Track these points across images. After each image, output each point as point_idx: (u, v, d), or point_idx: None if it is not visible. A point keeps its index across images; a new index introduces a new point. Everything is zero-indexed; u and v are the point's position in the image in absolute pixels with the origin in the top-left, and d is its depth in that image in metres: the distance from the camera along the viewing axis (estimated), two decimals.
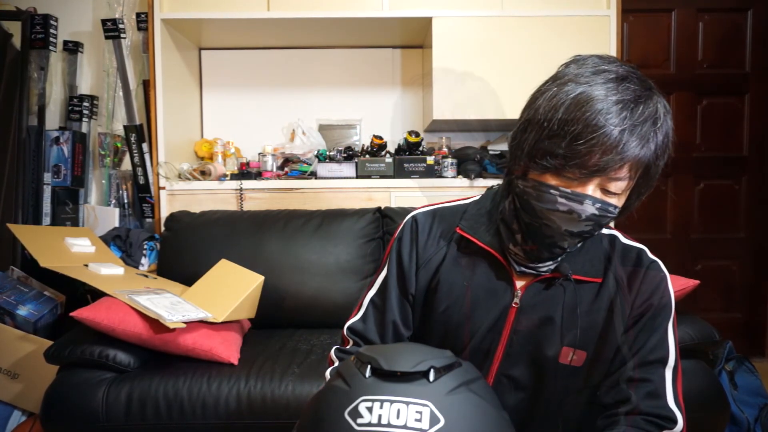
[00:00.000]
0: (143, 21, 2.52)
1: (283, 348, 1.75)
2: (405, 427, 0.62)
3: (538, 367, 0.89)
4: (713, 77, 2.86)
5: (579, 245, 0.88)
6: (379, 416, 0.63)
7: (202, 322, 1.65)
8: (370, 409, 0.63)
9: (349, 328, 1.01)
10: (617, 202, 0.80)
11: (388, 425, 0.62)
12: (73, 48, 2.60)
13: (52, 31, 2.49)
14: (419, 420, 0.62)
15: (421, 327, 0.98)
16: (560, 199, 0.78)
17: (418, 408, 0.63)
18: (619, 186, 0.78)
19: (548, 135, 0.77)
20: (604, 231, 0.95)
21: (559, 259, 0.88)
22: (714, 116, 2.88)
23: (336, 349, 1.01)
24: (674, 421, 0.84)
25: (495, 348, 0.90)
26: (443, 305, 0.92)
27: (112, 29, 2.50)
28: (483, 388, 0.73)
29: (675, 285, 1.66)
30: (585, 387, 0.91)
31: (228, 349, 1.64)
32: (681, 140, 2.88)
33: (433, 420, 0.63)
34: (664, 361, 0.87)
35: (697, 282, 1.68)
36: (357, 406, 0.64)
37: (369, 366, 0.68)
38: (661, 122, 0.77)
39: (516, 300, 0.89)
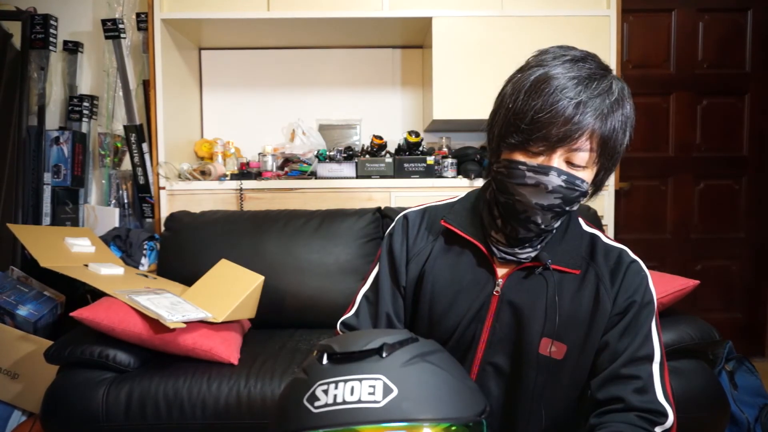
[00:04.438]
0: (143, 21, 2.52)
1: (283, 348, 1.75)
2: (359, 401, 0.64)
3: (518, 356, 0.91)
4: (713, 77, 2.86)
5: (555, 224, 0.90)
6: (335, 396, 0.65)
7: (202, 322, 1.65)
8: (326, 392, 0.65)
9: (342, 322, 1.03)
10: (585, 176, 0.84)
11: (343, 402, 0.64)
12: (73, 48, 2.60)
13: (52, 31, 2.49)
14: (372, 393, 0.64)
15: (411, 319, 1.01)
16: (528, 173, 0.83)
17: (371, 383, 0.65)
18: (581, 158, 0.82)
19: (513, 114, 0.84)
20: (586, 229, 0.97)
21: (539, 247, 0.91)
22: (714, 116, 2.88)
23: None
24: (665, 415, 0.86)
25: (479, 336, 0.92)
26: (429, 295, 0.96)
27: (112, 29, 2.50)
28: (443, 360, 0.73)
29: (675, 285, 1.67)
30: (569, 382, 0.92)
31: (228, 349, 1.64)
32: (681, 140, 2.88)
33: (386, 391, 0.65)
34: (650, 358, 0.88)
35: (697, 282, 1.68)
36: (314, 391, 0.66)
37: (324, 354, 0.70)
38: (616, 97, 0.82)
39: (497, 288, 0.92)
